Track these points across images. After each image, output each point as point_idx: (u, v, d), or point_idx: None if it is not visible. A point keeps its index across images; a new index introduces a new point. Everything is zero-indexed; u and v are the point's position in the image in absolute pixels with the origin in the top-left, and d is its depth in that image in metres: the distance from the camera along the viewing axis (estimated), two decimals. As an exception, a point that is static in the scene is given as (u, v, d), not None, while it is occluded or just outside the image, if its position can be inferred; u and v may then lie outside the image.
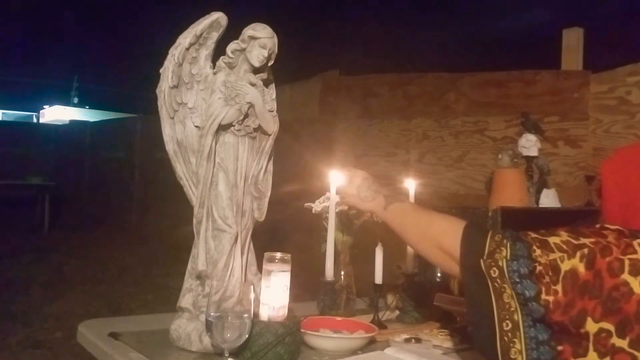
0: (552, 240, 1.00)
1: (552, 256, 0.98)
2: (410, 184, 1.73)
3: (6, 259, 6.26)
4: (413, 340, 1.47)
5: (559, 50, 3.68)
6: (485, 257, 1.02)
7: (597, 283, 0.96)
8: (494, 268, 1.00)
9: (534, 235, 1.03)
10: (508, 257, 1.00)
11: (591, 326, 0.95)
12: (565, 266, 0.97)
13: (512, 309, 0.98)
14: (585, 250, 0.97)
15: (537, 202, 2.33)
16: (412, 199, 1.70)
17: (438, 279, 1.82)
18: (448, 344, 1.46)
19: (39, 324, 4.28)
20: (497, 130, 3.77)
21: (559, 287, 0.96)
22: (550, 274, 0.97)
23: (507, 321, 0.98)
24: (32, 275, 5.73)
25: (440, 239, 1.14)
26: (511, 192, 2.24)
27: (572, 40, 3.64)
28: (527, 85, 3.69)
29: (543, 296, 0.96)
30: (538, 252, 0.99)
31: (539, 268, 0.98)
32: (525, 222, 2.08)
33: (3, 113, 23.68)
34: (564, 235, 1.01)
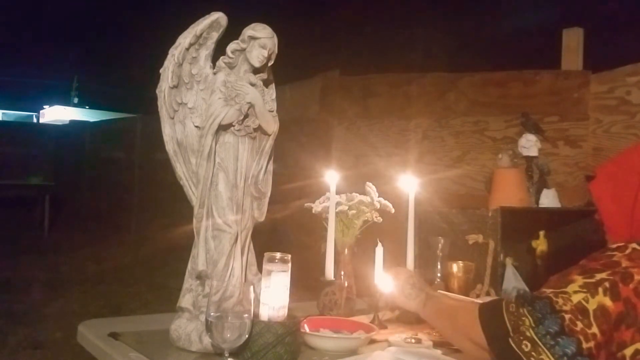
0: (570, 289, 0.98)
1: (575, 299, 0.95)
2: (410, 184, 1.73)
3: (6, 259, 6.26)
4: (413, 340, 1.47)
5: (559, 50, 3.67)
6: (512, 335, 0.98)
7: (630, 311, 0.94)
8: (525, 342, 0.96)
9: (549, 290, 1.00)
10: (533, 324, 0.96)
11: (628, 350, 0.95)
12: (591, 305, 0.95)
13: None
14: (607, 284, 0.96)
15: (537, 202, 2.33)
16: (412, 199, 1.70)
17: (438, 279, 1.82)
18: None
19: (39, 324, 4.28)
20: (497, 130, 3.76)
21: (595, 329, 0.93)
22: (580, 317, 0.94)
23: None
24: (32, 275, 5.73)
25: (467, 332, 1.11)
26: (511, 192, 2.24)
27: (572, 40, 3.63)
28: (527, 85, 3.68)
29: (584, 345, 0.92)
30: (560, 301, 0.96)
31: (567, 317, 0.94)
32: (526, 222, 2.08)
33: (3, 113, 23.66)
34: (579, 280, 0.98)
